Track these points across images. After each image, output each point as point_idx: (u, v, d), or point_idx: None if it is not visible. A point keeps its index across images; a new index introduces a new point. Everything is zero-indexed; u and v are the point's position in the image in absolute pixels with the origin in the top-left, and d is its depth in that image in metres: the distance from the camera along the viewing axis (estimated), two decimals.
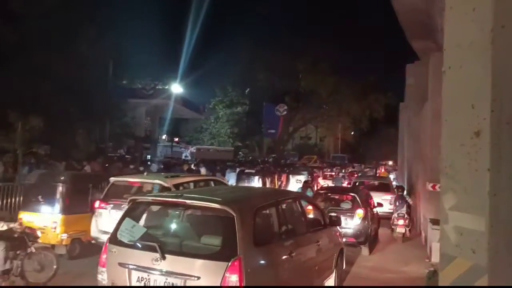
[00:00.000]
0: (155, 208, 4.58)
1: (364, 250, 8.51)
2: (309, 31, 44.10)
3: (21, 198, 8.17)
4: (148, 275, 3.65)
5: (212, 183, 8.46)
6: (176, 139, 42.15)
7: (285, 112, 36.35)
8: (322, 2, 55.12)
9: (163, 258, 3.57)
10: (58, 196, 7.24)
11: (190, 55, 32.88)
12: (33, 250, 5.45)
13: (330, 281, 5.61)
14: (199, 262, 3.57)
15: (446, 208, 2.47)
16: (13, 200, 8.39)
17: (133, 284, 3.71)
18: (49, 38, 15.59)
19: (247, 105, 41.80)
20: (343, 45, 43.76)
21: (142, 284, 3.67)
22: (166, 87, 34.61)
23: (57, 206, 7.21)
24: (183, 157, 33.23)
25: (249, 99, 41.46)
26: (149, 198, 4.65)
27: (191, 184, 7.78)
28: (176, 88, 32.87)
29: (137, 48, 25.60)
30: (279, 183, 15.49)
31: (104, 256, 3.96)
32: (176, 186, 7.12)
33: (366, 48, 51.18)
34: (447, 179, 2.47)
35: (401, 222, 9.93)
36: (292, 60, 36.71)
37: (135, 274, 3.71)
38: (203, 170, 15.86)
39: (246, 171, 15.94)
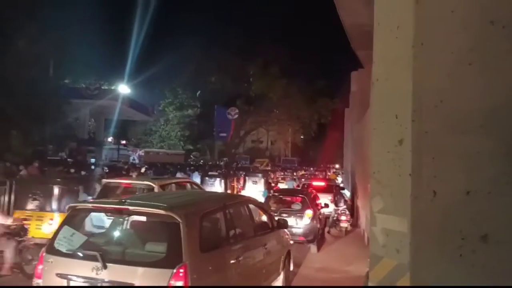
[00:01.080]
0: (97, 215, 4.54)
1: (313, 248, 9.06)
2: (259, 33, 44.64)
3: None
4: (88, 286, 3.54)
5: (189, 185, 9.26)
6: (123, 142, 40.53)
7: (236, 116, 36.53)
8: (271, 4, 56.18)
9: (105, 267, 3.45)
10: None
11: (138, 55, 31.84)
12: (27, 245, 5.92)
13: (278, 283, 5.70)
14: (143, 270, 3.48)
15: (375, 211, 2.64)
16: None
17: None
18: None
19: (198, 108, 41.34)
20: (293, 50, 44.84)
21: None
22: (113, 88, 33.29)
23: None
24: (130, 160, 32.03)
25: (200, 102, 41.06)
26: (90, 205, 4.50)
27: (173, 186, 8.37)
28: (123, 89, 31.70)
29: (81, 47, 24.39)
30: (240, 184, 16.38)
31: (40, 267, 3.77)
32: (162, 187, 7.66)
33: (316, 53, 52.95)
34: (375, 184, 2.64)
35: (343, 217, 11.10)
36: (244, 62, 37.06)
37: (75, 285, 3.58)
38: (179, 175, 16.28)
39: (210, 173, 16.82)
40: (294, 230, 7.85)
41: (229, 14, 56.72)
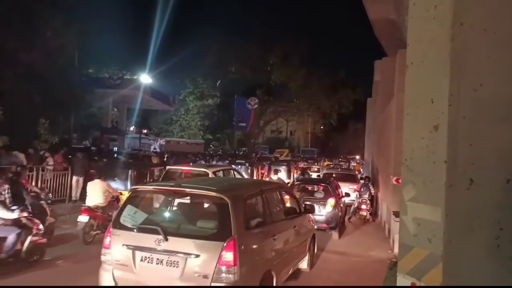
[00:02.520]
0: (155, 196, 5.23)
1: (334, 234, 9.41)
2: (280, 23, 44.26)
3: None
4: (151, 255, 4.03)
5: (232, 172, 10.89)
6: (145, 131, 41.16)
7: (256, 106, 36.40)
8: None
9: (166, 239, 3.97)
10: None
11: (160, 45, 32.04)
12: (33, 238, 6.04)
13: (304, 263, 6.28)
14: (198, 242, 3.97)
15: (406, 200, 2.55)
16: None
17: (137, 263, 4.08)
18: (12, 24, 14.76)
19: (218, 98, 41.42)
20: (314, 39, 44.28)
21: (145, 263, 4.04)
22: (135, 77, 33.67)
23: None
24: (151, 149, 32.52)
25: (220, 92, 41.11)
26: (151, 187, 5.22)
27: (221, 172, 9.85)
28: (145, 79, 32.00)
29: (104, 37, 24.73)
30: (265, 172, 17.89)
31: (107, 239, 4.31)
32: (214, 173, 9.24)
33: (337, 43, 52.07)
34: (407, 172, 2.55)
35: (364, 206, 11.56)
36: (264, 52, 36.78)
37: (139, 254, 4.08)
38: (220, 163, 18.07)
39: (237, 161, 19.01)
40: (317, 217, 8.17)
41: (250, 4, 56.31)
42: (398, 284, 2.62)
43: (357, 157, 45.30)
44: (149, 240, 4.03)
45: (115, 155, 20.71)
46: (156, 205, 5.40)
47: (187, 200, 4.87)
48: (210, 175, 8.96)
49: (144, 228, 4.21)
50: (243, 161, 18.56)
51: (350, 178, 15.73)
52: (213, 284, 3.80)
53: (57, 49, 17.00)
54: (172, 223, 4.56)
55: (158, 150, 33.42)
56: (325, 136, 57.12)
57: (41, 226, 6.24)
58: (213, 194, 4.25)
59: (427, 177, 2.37)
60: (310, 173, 18.42)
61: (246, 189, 5.14)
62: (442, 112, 2.28)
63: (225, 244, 3.83)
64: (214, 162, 18.68)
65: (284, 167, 17.49)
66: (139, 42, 35.71)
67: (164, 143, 37.54)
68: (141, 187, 5.10)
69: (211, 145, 41.46)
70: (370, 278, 6.42)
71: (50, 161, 13.12)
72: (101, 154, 18.19)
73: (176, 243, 3.97)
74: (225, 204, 4.05)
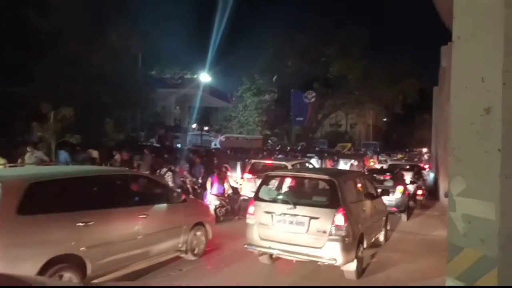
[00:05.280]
0: (282, 179, 7.03)
1: (403, 217, 10.74)
2: (337, 13, 42.78)
3: None
4: (284, 217, 5.77)
5: (306, 164, 12.98)
6: (206, 128, 42.50)
7: (313, 99, 35.70)
8: None
9: (295, 207, 5.70)
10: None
11: (218, 43, 32.76)
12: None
13: (381, 236, 7.77)
14: (317, 209, 5.67)
15: (454, 195, 2.25)
16: None
17: (274, 223, 5.82)
18: (81, 29, 16.07)
19: (275, 93, 41.31)
20: (373, 28, 42.25)
21: (280, 223, 5.77)
22: (195, 76, 34.85)
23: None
24: (212, 146, 33.51)
25: (277, 87, 40.98)
26: (280, 173, 7.42)
27: (298, 165, 11.78)
28: (204, 77, 33.01)
29: (166, 39, 25.81)
30: (333, 165, 20.50)
31: (251, 208, 6.13)
32: (292, 165, 11.18)
33: (398, 30, 49.03)
34: (455, 162, 2.24)
35: (419, 192, 12.92)
36: (321, 44, 35.86)
37: (276, 217, 5.84)
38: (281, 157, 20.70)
39: (308, 154, 22.79)
40: (387, 203, 9.20)
41: None
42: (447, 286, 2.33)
43: (424, 149, 42.56)
44: (282, 208, 5.81)
45: (190, 152, 21.47)
46: (283, 184, 7.12)
47: (309, 181, 7.14)
48: (289, 167, 10.76)
49: (278, 199, 6.10)
50: (314, 155, 22.05)
51: (413, 168, 16.82)
52: (329, 237, 5.43)
53: (122, 52, 18.19)
54: (295, 197, 6.16)
55: (218, 146, 34.35)
56: (388, 128, 54.36)
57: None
58: (326, 177, 6.08)
59: (479, 168, 2.05)
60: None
61: (345, 174, 7.33)
62: (494, 92, 1.95)
63: (336, 211, 5.48)
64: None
65: (352, 160, 20.32)
66: (198, 41, 36.87)
67: (224, 139, 38.47)
68: (272, 173, 7.10)
69: (269, 141, 41.58)
70: (433, 249, 7.50)
71: (118, 158, 14.08)
72: (170, 152, 19.00)
73: (302, 210, 5.67)
74: (334, 184, 5.75)
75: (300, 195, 6.42)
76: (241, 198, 10.55)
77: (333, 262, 5.39)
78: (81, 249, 4.52)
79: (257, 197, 6.20)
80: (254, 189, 10.07)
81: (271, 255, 6.19)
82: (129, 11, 18.76)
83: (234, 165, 13.78)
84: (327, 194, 5.96)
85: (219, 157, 17.32)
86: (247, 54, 38.61)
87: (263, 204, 6.03)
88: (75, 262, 4.48)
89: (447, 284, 2.31)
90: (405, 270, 6.40)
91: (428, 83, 30.41)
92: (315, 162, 17.68)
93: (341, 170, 11.57)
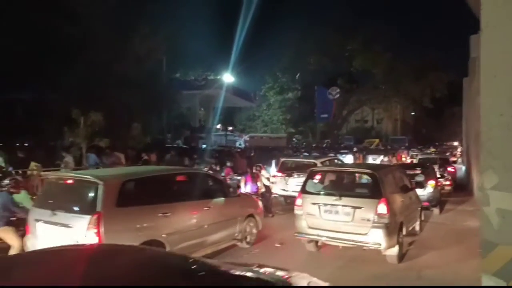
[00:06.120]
0: (326, 173, 7.66)
1: (436, 210, 10.99)
2: (359, 6, 41.92)
3: None
4: (331, 208, 6.32)
5: (336, 160, 13.54)
6: (230, 128, 42.74)
7: (337, 95, 35.21)
8: None
9: (340, 198, 6.25)
10: None
11: (240, 44, 32.84)
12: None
13: (417, 226, 8.18)
14: (361, 200, 6.24)
15: (487, 188, 2.15)
16: None
17: (322, 214, 6.37)
18: (108, 35, 16.53)
19: (298, 90, 40.99)
20: (397, 20, 41.08)
21: (327, 213, 6.32)
22: (218, 77, 35.12)
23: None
24: (237, 145, 33.68)
25: (300, 84, 40.66)
26: (325, 168, 8.71)
27: (327, 162, 12.25)
28: (227, 78, 33.20)
29: (188, 40, 26.08)
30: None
31: (299, 200, 6.71)
32: (321, 162, 11.77)
33: (425, 22, 47.46)
34: (486, 155, 2.15)
35: (447, 182, 13.62)
36: (344, 39, 35.27)
37: (323, 208, 6.40)
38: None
39: (341, 151, 24.62)
40: (419, 197, 9.49)
41: None
42: (483, 285, 2.24)
43: (455, 143, 41.11)
44: (328, 199, 6.36)
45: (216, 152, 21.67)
46: (327, 178, 7.67)
47: (350, 175, 7.73)
48: (318, 164, 11.21)
49: (325, 192, 6.72)
50: (346, 151, 23.97)
51: (443, 161, 17.37)
52: (373, 225, 5.92)
53: (146, 55, 18.55)
54: (340, 189, 6.76)
55: (242, 145, 34.49)
56: (416, 123, 52.85)
57: None
58: (368, 171, 6.76)
59: (509, 160, 1.96)
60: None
61: (384, 168, 8.17)
62: None
63: (379, 201, 5.99)
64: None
65: (382, 156, 21.12)
66: (220, 43, 37.05)
67: (248, 138, 38.57)
68: (317, 168, 8.16)
69: (293, 139, 41.34)
70: (466, 237, 7.91)
71: (153, 158, 14.40)
72: (197, 153, 19.22)
73: (347, 201, 6.20)
74: (376, 177, 6.33)
75: (343, 188, 7.03)
76: (273, 196, 10.74)
77: (377, 246, 5.93)
78: (163, 235, 5.29)
79: (304, 190, 6.80)
80: (284, 187, 11.65)
81: (317, 243, 6.76)
82: (152, 14, 19.09)
83: (269, 163, 14.35)
84: (370, 186, 6.57)
85: (249, 157, 17.66)
86: (269, 53, 38.59)
87: (310, 196, 6.60)
88: (158, 247, 5.04)
89: (483, 282, 2.22)
90: (441, 255, 6.78)
91: (457, 74, 29.35)
92: (350, 159, 18.96)
93: (379, 164, 13.01)
